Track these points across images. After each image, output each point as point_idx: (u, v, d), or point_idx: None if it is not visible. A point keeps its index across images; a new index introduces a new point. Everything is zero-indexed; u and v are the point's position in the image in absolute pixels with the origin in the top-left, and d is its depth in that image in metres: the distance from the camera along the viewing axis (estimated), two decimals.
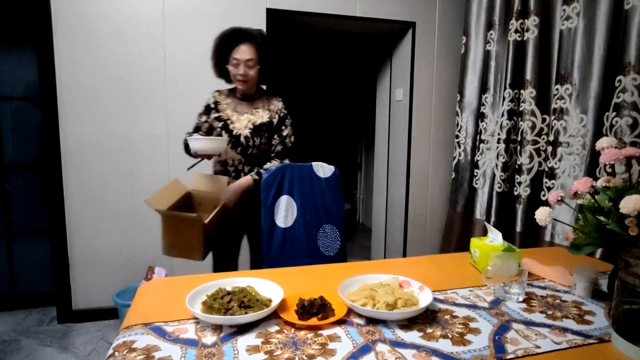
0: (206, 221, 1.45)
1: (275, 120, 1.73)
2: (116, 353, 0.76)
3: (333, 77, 4.73)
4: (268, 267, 1.56)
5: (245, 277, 1.04)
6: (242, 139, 1.68)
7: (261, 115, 1.72)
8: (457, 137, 2.76)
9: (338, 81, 4.76)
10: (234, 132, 1.69)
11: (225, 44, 1.65)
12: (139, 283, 2.27)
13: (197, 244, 1.49)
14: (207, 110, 1.76)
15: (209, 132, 1.74)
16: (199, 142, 1.53)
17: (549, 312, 0.94)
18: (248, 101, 1.74)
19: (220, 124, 1.70)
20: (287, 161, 1.71)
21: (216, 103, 1.75)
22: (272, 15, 2.53)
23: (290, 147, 1.75)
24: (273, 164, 1.67)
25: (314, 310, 0.89)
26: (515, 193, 2.23)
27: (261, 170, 1.66)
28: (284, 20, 2.70)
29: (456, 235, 2.76)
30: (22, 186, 2.60)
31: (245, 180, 1.65)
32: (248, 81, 1.67)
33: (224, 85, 1.78)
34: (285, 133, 1.74)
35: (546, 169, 2.04)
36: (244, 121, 1.70)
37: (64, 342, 2.21)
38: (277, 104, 1.75)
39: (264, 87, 1.89)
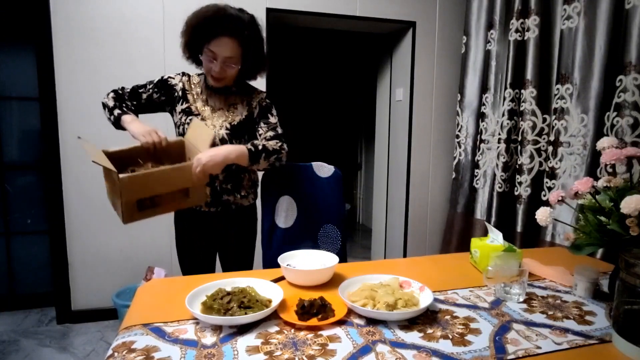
0: (122, 176, 1.09)
1: (256, 111, 1.46)
2: (115, 354, 0.76)
3: (333, 77, 4.73)
4: (268, 268, 1.56)
5: (245, 278, 1.04)
6: (217, 140, 1.40)
7: (240, 112, 1.45)
8: (458, 137, 2.76)
9: (338, 81, 4.76)
10: None
11: (200, 33, 1.32)
12: (139, 283, 2.26)
13: (117, 202, 1.18)
14: (165, 86, 1.47)
15: (148, 107, 1.50)
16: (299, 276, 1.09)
17: (550, 313, 0.94)
18: (224, 94, 1.45)
19: (188, 119, 1.41)
20: (285, 146, 1.43)
21: (184, 91, 1.45)
22: (272, 14, 2.52)
23: (282, 135, 1.44)
24: (271, 143, 1.37)
25: (314, 310, 0.88)
26: (516, 193, 2.23)
27: (257, 143, 1.34)
28: (284, 20, 2.69)
29: (456, 235, 2.76)
30: (21, 186, 2.60)
31: (238, 148, 1.28)
32: (223, 79, 1.38)
33: (194, 70, 1.49)
34: (273, 121, 1.46)
35: (547, 169, 2.04)
36: (218, 119, 1.43)
37: (63, 343, 2.21)
38: (259, 96, 1.49)
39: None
